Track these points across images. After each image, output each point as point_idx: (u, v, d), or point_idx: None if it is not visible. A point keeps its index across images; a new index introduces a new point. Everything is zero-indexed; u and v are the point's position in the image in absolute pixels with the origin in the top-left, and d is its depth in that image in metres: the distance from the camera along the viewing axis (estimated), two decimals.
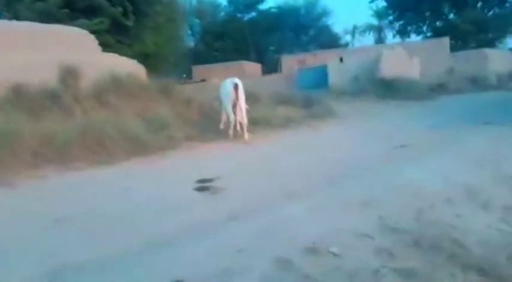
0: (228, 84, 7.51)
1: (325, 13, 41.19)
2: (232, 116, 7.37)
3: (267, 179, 4.65)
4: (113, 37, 12.97)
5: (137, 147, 6.13)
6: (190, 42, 38.53)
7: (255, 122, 8.47)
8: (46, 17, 10.41)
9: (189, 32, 38.36)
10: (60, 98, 6.68)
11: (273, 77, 26.92)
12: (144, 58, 17.85)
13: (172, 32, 22.17)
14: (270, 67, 32.15)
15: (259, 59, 35.92)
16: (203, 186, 4.38)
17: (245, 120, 7.33)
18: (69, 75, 7.13)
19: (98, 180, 4.91)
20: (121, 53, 14.08)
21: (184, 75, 30.38)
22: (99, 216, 3.62)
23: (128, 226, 3.34)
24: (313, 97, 12.07)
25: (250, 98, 10.35)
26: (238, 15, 39.16)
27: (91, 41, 8.01)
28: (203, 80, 25.00)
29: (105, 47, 13.01)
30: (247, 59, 33.56)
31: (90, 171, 5.24)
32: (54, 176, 5.00)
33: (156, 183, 4.76)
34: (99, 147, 5.78)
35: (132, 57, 15.26)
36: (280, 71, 28.50)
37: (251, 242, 2.77)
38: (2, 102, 6.01)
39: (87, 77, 7.39)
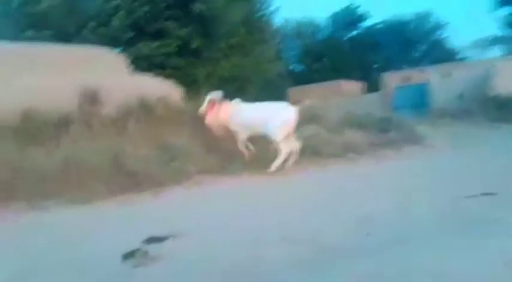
0: (287, 110, 6.24)
1: (439, 26, 37.00)
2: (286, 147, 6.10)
3: (231, 245, 3.19)
4: (183, 59, 12.69)
5: (130, 182, 5.18)
6: (291, 64, 37.98)
7: (301, 150, 6.96)
8: (110, 41, 10.47)
9: (289, 53, 37.87)
10: (71, 125, 6.13)
11: (371, 96, 24.63)
12: (225, 80, 17.55)
13: (261, 54, 21.63)
14: (373, 85, 29.68)
15: (363, 78, 33.59)
16: (135, 251, 3.11)
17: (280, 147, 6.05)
18: (88, 99, 6.60)
19: (49, 225, 4.03)
20: (192, 75, 13.85)
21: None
22: None
23: None
24: (393, 119, 9.96)
25: (311, 120, 8.89)
26: (340, 33, 37.42)
27: (120, 62, 7.49)
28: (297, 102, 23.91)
29: (175, 69, 12.87)
30: (349, 78, 31.60)
31: (53, 213, 4.39)
32: (9, 217, 4.27)
33: (101, 235, 3.65)
34: (81, 182, 4.95)
35: (206, 79, 15.01)
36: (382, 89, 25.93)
37: None
38: (3, 128, 5.60)
39: (111, 101, 6.80)
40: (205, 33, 12.45)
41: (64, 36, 11.20)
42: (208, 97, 6.27)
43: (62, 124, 6.11)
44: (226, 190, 5.26)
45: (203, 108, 6.25)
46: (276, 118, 6.04)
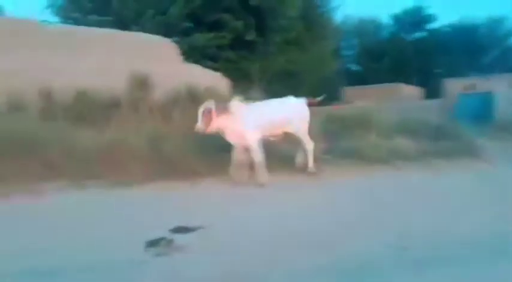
0: (305, 106, 5.87)
1: None
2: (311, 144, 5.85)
3: (254, 243, 3.10)
4: (236, 52, 12.71)
5: (170, 170, 5.23)
6: (348, 63, 36.97)
7: (343, 154, 6.71)
8: (167, 30, 10.69)
9: (346, 52, 36.90)
10: (120, 107, 6.31)
11: (431, 102, 23.41)
12: (278, 75, 17.37)
13: (319, 51, 21.13)
14: (434, 92, 28.15)
15: (423, 83, 31.99)
16: (160, 240, 3.11)
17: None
18: (139, 84, 6.77)
19: (85, 205, 4.16)
20: (244, 69, 13.82)
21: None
22: None
23: None
24: (450, 128, 9.31)
25: (361, 124, 8.56)
26: (402, 35, 35.85)
27: (172, 50, 7.61)
28: (349, 102, 23.21)
29: (227, 62, 12.91)
30: (408, 82, 30.23)
31: (93, 193, 4.56)
32: (52, 193, 4.45)
33: (133, 220, 3.72)
34: (123, 166, 5.07)
35: (259, 73, 14.92)
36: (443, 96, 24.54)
37: None
38: (57, 107, 5.87)
39: (160, 88, 6.94)
40: (261, 27, 12.37)
41: (124, 22, 11.62)
42: (201, 109, 5.17)
43: (112, 106, 6.30)
44: (264, 187, 5.16)
45: (199, 123, 5.16)
46: (300, 114, 5.70)
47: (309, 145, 5.76)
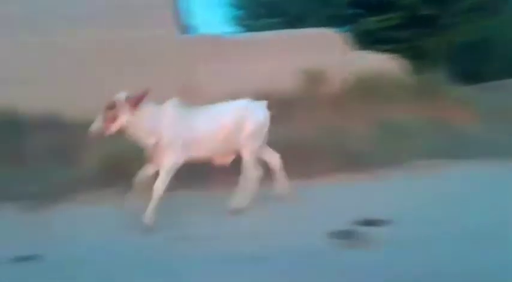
0: (263, 110, 4.27)
1: None
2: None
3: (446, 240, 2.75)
4: (409, 30, 11.74)
5: (349, 161, 5.13)
6: None
7: None
8: (334, 20, 10.68)
9: None
10: (294, 104, 6.54)
11: None
12: (460, 48, 15.29)
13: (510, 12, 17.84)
14: None
15: None
16: (346, 232, 3.05)
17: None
18: (312, 80, 6.92)
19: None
20: (419, 47, 12.57)
21: None
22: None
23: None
24: None
25: None
26: None
27: (338, 40, 7.52)
28: None
29: (400, 42, 11.95)
30: None
31: None
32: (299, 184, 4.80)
33: (315, 211, 3.79)
34: (304, 159, 5.21)
35: (436, 49, 13.36)
36: None
37: None
38: None
39: (331, 80, 6.97)
40: None
41: (292, 21, 12.03)
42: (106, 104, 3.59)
43: (285, 104, 6.58)
44: (454, 177, 4.59)
45: (98, 123, 3.53)
46: (255, 125, 4.02)
47: (253, 176, 4.01)
